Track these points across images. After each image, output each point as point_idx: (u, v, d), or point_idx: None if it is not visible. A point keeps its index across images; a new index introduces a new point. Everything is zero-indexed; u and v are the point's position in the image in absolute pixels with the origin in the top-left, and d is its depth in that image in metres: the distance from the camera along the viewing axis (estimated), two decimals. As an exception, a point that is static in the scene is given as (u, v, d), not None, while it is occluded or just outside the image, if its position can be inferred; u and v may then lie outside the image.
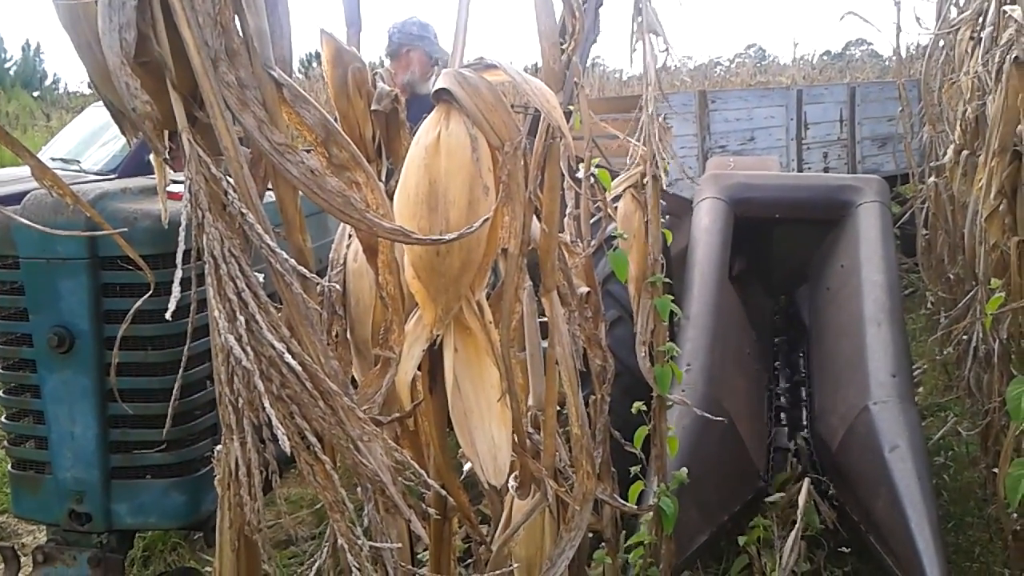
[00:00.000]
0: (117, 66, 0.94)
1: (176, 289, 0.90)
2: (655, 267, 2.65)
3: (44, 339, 2.64)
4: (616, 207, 2.67)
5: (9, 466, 2.87)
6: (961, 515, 4.12)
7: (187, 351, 1.31)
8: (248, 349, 0.92)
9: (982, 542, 3.91)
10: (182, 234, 0.93)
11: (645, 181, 2.65)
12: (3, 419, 2.87)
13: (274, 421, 0.91)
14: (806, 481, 3.48)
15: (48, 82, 36.00)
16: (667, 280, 2.72)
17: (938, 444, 4.63)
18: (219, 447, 1.04)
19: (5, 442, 2.94)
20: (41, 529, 3.76)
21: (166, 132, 1.02)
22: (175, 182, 1.35)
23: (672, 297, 2.75)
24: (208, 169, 0.97)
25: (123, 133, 1.03)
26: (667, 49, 2.49)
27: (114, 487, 2.69)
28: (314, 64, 21.38)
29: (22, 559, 2.85)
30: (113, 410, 2.66)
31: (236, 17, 1.02)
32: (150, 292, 1.23)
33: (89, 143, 8.39)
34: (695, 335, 3.73)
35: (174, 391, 1.26)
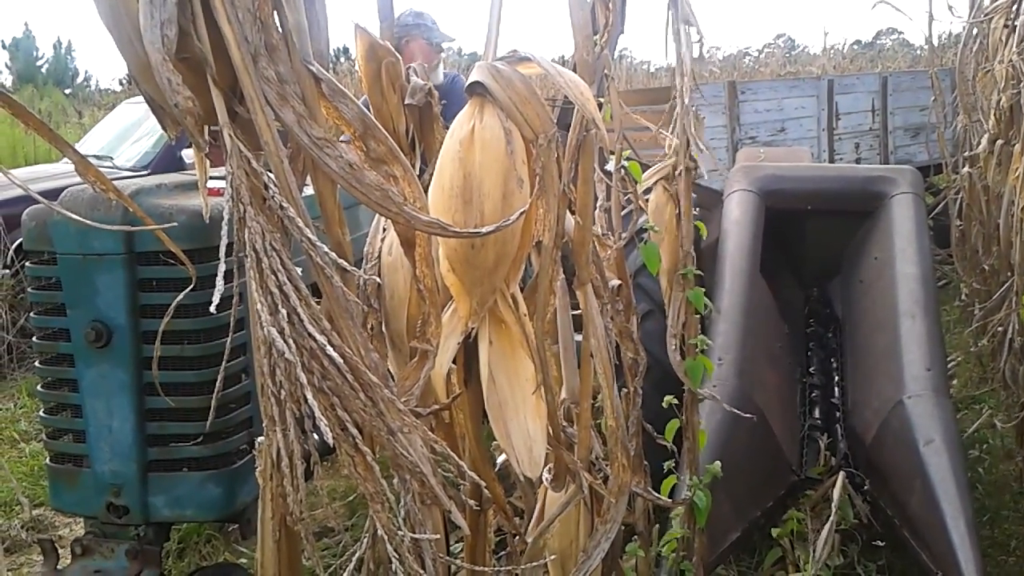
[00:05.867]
0: (159, 62, 0.95)
1: (220, 282, 0.91)
2: (686, 260, 2.64)
3: (81, 334, 2.68)
4: (647, 200, 2.65)
5: (47, 459, 2.91)
6: (996, 508, 4.07)
7: (222, 345, 1.32)
8: (290, 342, 0.93)
9: (1018, 536, 3.87)
10: (225, 228, 0.94)
11: (677, 173, 2.63)
12: (41, 413, 2.91)
13: (316, 413, 0.92)
14: (841, 475, 3.45)
15: (80, 79, 36.32)
16: (698, 273, 2.70)
17: (973, 437, 4.57)
18: (260, 438, 1.06)
19: (43, 436, 2.98)
20: (79, 522, 3.81)
21: (206, 127, 1.03)
22: (211, 178, 1.37)
23: (703, 290, 2.73)
24: (249, 164, 0.97)
25: (164, 128, 1.04)
26: (700, 39, 2.49)
27: (151, 480, 2.72)
28: (341, 59, 21.39)
29: (60, 551, 2.90)
30: (150, 403, 2.69)
31: (275, 12, 1.03)
32: (191, 287, 1.24)
33: (121, 140, 8.46)
34: (726, 329, 3.70)
35: (216, 384, 1.27)
